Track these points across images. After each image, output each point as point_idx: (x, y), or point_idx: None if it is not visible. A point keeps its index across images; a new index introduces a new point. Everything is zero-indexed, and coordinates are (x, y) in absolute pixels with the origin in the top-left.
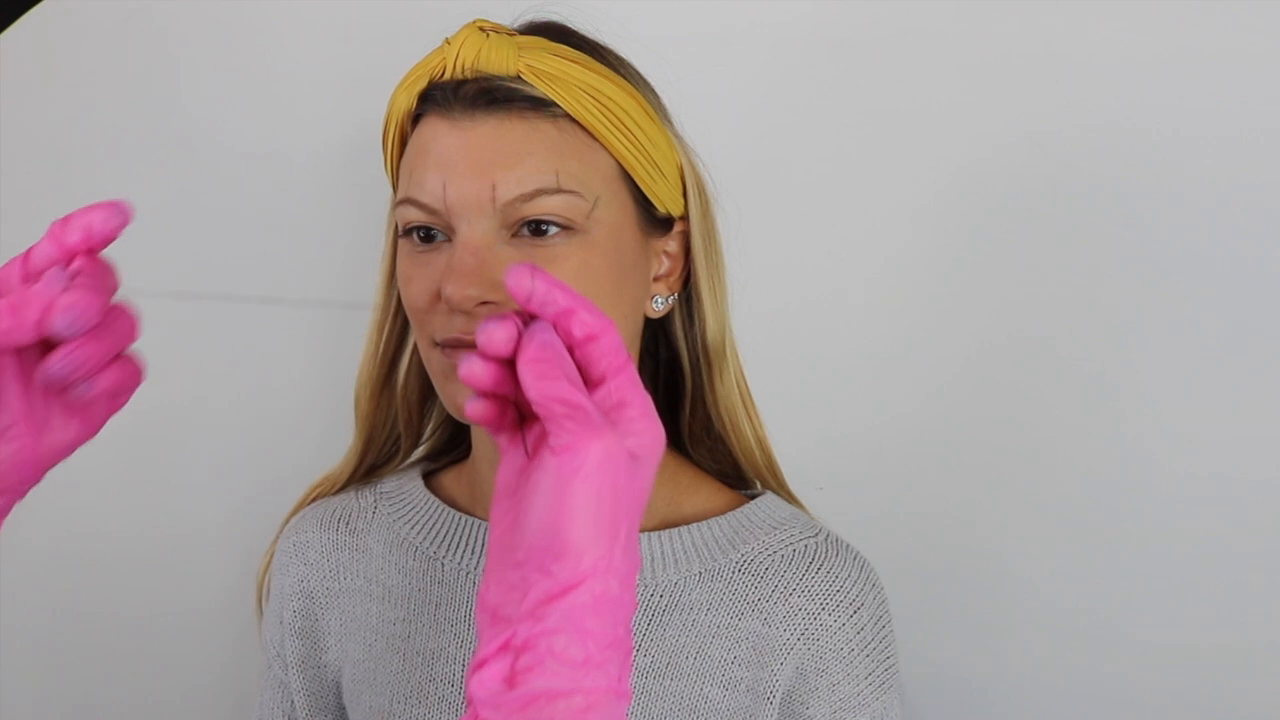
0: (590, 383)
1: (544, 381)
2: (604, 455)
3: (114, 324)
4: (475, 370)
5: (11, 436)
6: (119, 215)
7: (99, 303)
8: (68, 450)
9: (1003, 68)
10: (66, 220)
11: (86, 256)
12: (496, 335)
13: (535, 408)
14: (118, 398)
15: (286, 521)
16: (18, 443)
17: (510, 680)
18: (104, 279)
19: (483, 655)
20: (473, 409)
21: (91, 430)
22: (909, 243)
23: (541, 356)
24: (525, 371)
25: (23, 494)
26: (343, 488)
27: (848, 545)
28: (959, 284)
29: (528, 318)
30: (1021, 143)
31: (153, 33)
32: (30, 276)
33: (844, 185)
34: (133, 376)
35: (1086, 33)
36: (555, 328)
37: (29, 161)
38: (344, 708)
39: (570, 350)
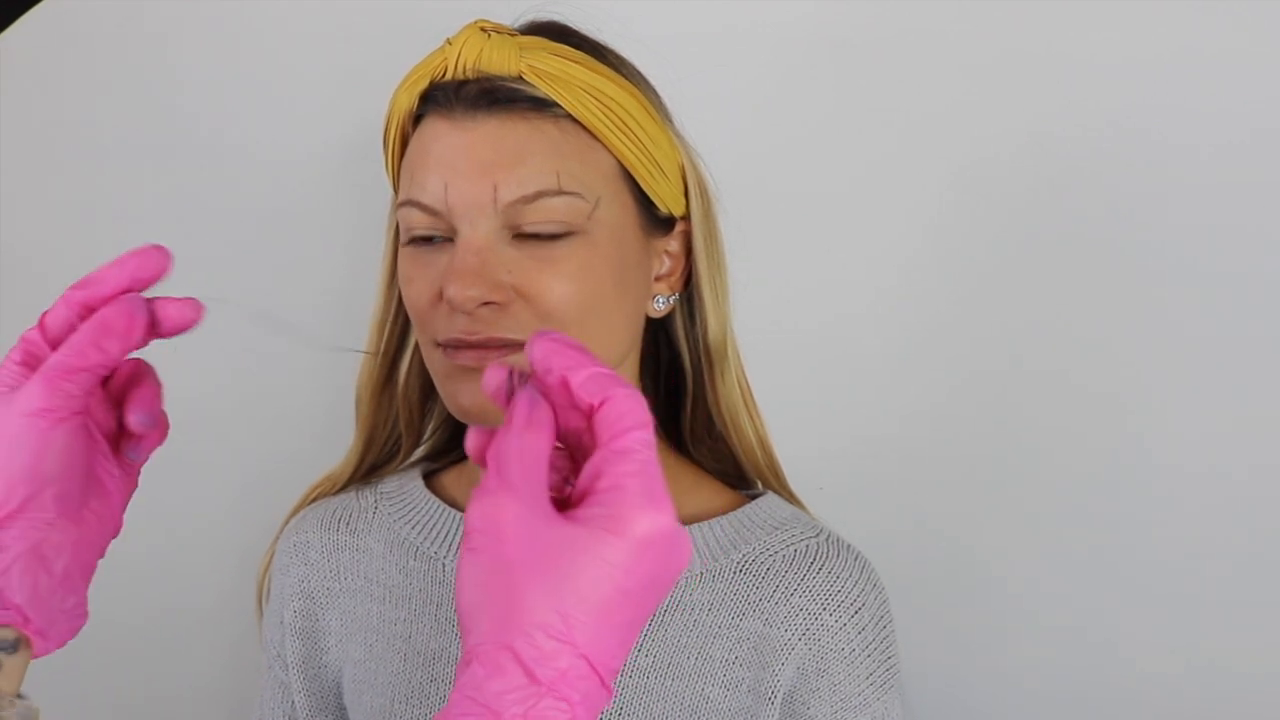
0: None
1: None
2: (484, 520)
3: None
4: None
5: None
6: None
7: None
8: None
9: (1005, 68)
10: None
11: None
12: (490, 383)
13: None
14: (150, 446)
15: (287, 521)
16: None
17: None
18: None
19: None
20: (472, 442)
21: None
22: (910, 242)
23: (506, 420)
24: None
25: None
26: (343, 488)
27: (849, 545)
28: (960, 283)
29: (521, 378)
30: (1023, 143)
31: (153, 33)
32: (52, 341)
33: (845, 185)
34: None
35: (1089, 34)
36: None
37: (29, 161)
38: (344, 708)
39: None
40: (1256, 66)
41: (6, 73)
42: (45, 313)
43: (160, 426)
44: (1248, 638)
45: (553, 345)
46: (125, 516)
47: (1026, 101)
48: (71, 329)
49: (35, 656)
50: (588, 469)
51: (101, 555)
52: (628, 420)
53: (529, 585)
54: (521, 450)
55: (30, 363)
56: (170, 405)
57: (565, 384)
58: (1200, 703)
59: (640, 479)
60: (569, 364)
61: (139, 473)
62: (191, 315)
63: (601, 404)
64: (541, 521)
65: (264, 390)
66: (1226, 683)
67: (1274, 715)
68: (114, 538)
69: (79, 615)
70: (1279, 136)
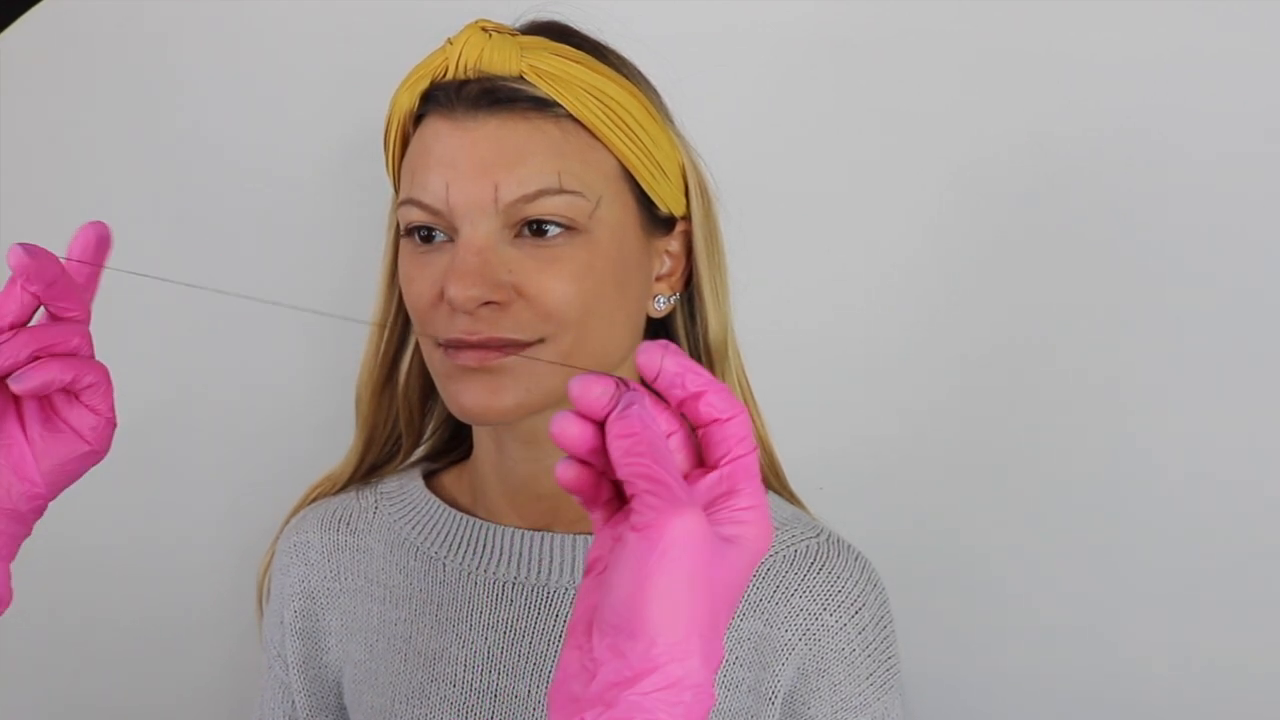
0: (708, 465)
1: (631, 456)
2: (684, 533)
3: (57, 326)
4: (569, 430)
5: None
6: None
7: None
8: (74, 466)
9: (1004, 68)
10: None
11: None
12: (592, 390)
13: (622, 481)
14: (92, 405)
15: (287, 521)
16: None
17: None
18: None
19: None
20: (564, 472)
21: (93, 445)
22: (910, 242)
23: (629, 431)
24: (613, 444)
25: (32, 515)
26: (343, 488)
27: (849, 546)
28: (961, 284)
29: (625, 385)
30: (1023, 143)
31: (152, 33)
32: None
33: (845, 185)
34: (67, 372)
35: (1089, 33)
36: (683, 406)
37: (29, 161)
38: (345, 708)
39: (696, 428)
40: (1257, 66)
41: (6, 73)
42: None
43: (90, 373)
44: (1249, 637)
45: (682, 361)
46: (124, 516)
47: (1026, 101)
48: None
49: None
50: (722, 480)
51: (22, 525)
52: (750, 438)
53: (720, 600)
54: (672, 465)
55: None
56: (170, 405)
57: (695, 398)
58: (1201, 702)
59: (763, 500)
60: (702, 382)
61: (92, 431)
62: (96, 232)
63: (730, 419)
64: (710, 535)
65: (264, 390)
66: (1228, 682)
67: (1275, 715)
68: (38, 502)
69: None
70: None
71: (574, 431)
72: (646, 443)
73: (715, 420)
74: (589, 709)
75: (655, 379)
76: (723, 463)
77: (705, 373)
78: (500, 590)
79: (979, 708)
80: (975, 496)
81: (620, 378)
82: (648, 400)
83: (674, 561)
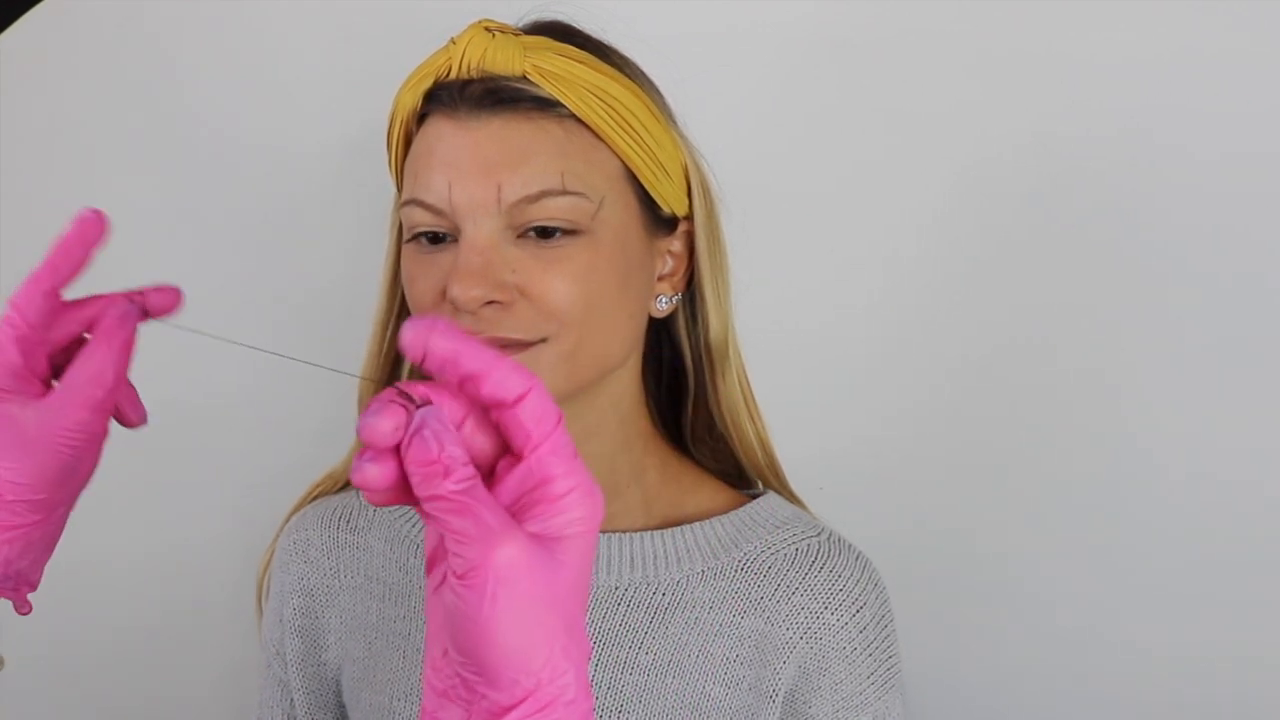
0: (514, 452)
1: (428, 489)
2: (507, 568)
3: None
4: (370, 476)
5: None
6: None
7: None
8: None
9: (1006, 68)
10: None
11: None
12: (380, 429)
13: (423, 515)
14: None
15: (287, 519)
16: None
17: None
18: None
19: None
20: (372, 499)
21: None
22: (912, 242)
23: (423, 459)
24: (409, 472)
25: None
26: (344, 485)
27: (850, 544)
28: (962, 284)
29: (411, 401)
30: (1025, 143)
31: (153, 33)
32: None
33: (847, 185)
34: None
35: (1091, 34)
36: (464, 388)
37: (29, 161)
38: (344, 706)
39: (490, 411)
40: (1258, 67)
41: (6, 73)
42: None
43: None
44: (1250, 636)
45: (453, 340)
46: (125, 516)
47: (1028, 102)
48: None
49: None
50: (530, 472)
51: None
52: (549, 414)
53: (569, 603)
54: (477, 490)
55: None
56: (171, 405)
57: (475, 380)
58: (1202, 701)
59: (581, 476)
60: (479, 361)
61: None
62: (173, 301)
63: (519, 400)
64: (533, 552)
65: (265, 389)
66: (1229, 681)
67: (1276, 715)
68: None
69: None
70: None
71: (374, 473)
72: (442, 468)
73: (503, 404)
74: None
75: (422, 362)
76: (526, 452)
77: (485, 350)
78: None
79: (979, 707)
80: (976, 497)
81: (402, 390)
82: (442, 408)
83: (507, 601)
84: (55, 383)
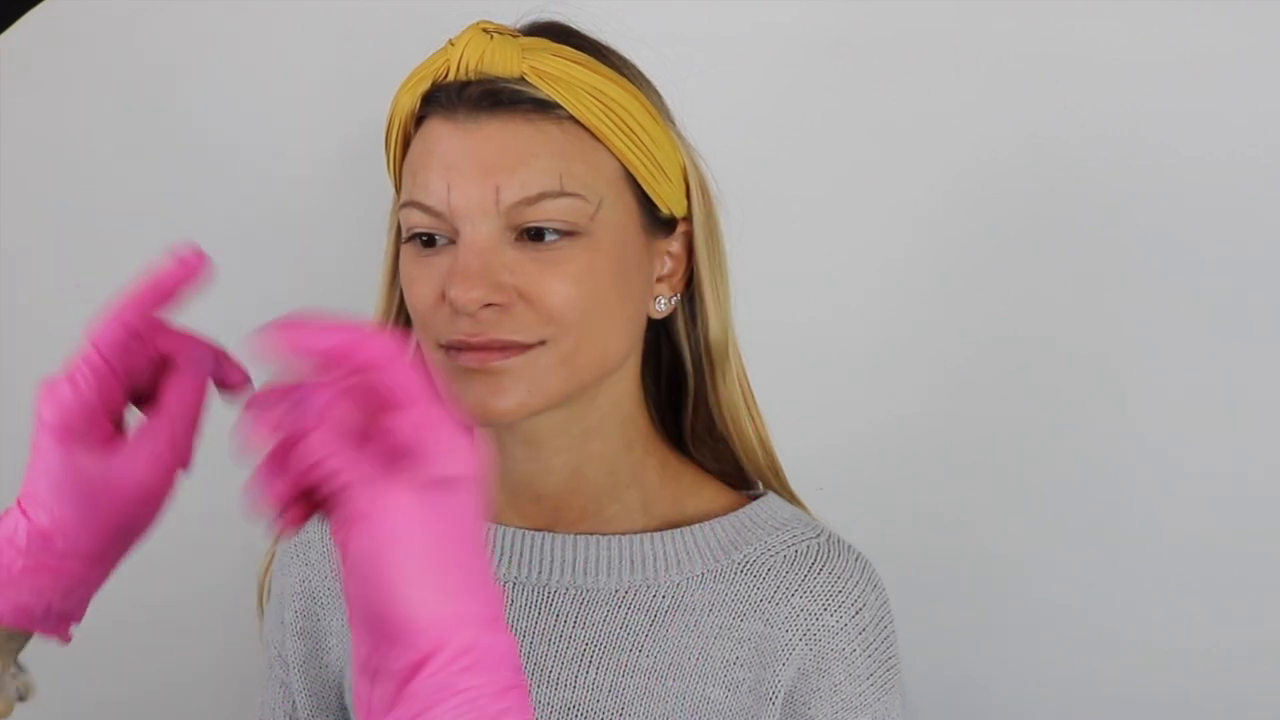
0: (389, 410)
1: (306, 462)
2: (397, 509)
3: None
4: (279, 490)
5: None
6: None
7: None
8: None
9: (1004, 70)
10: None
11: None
12: (259, 427)
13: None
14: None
15: None
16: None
17: None
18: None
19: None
20: (283, 528)
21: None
22: (911, 243)
23: (300, 425)
24: (294, 461)
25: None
26: None
27: (850, 546)
28: (960, 284)
29: (277, 396)
30: (1023, 144)
31: (153, 33)
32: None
33: (846, 185)
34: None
35: (1089, 35)
36: (326, 367)
37: (29, 161)
38: (346, 708)
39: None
40: (1256, 69)
41: (6, 73)
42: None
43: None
44: (1251, 634)
45: (294, 330)
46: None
47: (1026, 103)
48: (125, 348)
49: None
50: (400, 426)
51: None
52: (395, 361)
53: (465, 545)
54: (354, 447)
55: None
56: None
57: (327, 356)
58: (1204, 700)
59: (448, 420)
60: (324, 339)
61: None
62: (242, 383)
63: (375, 362)
64: (418, 495)
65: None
66: (1230, 680)
67: (1277, 714)
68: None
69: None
70: None
71: (280, 489)
72: (317, 441)
73: (355, 370)
74: (399, 707)
75: (281, 358)
76: (391, 408)
77: (328, 325)
78: (500, 590)
79: (979, 707)
80: (976, 496)
81: (261, 394)
82: (304, 389)
83: (403, 550)
84: (128, 415)
